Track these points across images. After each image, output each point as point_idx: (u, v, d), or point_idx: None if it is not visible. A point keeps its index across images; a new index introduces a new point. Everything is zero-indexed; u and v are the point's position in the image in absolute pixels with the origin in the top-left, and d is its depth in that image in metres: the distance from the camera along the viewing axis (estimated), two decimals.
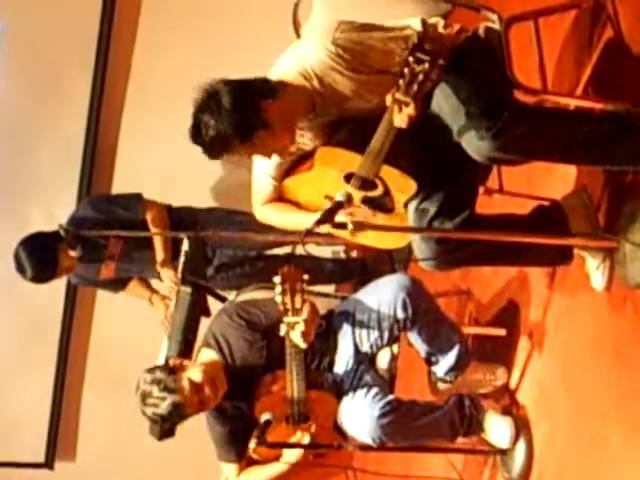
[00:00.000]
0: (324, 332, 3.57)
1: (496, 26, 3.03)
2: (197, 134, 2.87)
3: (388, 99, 2.69)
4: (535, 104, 3.15)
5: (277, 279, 3.20)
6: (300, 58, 2.92)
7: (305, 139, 3.04)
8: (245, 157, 2.99)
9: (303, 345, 3.33)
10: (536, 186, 3.61)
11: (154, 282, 4.86)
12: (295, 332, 3.27)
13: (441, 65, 2.60)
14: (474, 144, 2.79)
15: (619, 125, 2.89)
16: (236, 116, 2.82)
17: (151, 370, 3.44)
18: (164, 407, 3.35)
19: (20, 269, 4.49)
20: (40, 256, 4.45)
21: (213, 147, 2.88)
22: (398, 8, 3.07)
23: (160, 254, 4.57)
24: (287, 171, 3.13)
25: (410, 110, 2.68)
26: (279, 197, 3.18)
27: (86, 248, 4.49)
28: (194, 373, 3.42)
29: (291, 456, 3.46)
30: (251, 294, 3.77)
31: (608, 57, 3.27)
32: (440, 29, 2.90)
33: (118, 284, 4.92)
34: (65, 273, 4.60)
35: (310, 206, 3.11)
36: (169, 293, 4.49)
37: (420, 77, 2.60)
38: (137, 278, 4.90)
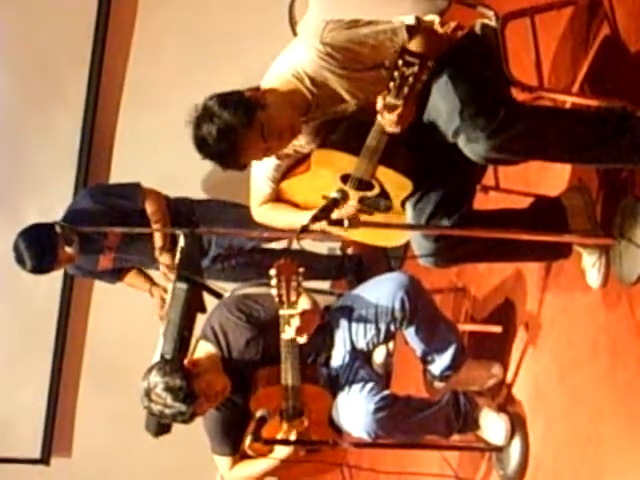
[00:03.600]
0: (320, 327, 3.58)
1: (492, 23, 3.03)
2: (204, 146, 2.88)
3: (379, 102, 2.69)
4: (531, 102, 3.15)
5: (272, 272, 3.21)
6: (291, 60, 2.93)
7: (301, 141, 3.04)
8: (259, 153, 2.95)
9: (302, 340, 3.33)
10: (532, 183, 3.61)
11: (153, 274, 4.85)
12: (290, 327, 3.28)
13: (430, 67, 2.61)
14: (470, 144, 2.79)
15: (615, 123, 2.88)
16: (231, 106, 2.84)
17: (165, 373, 3.38)
18: (176, 413, 3.34)
19: (19, 260, 4.46)
20: (40, 247, 4.42)
21: (223, 145, 2.85)
22: (394, 6, 3.06)
23: (158, 241, 4.57)
24: (284, 173, 3.14)
25: (399, 111, 2.67)
26: (277, 199, 3.19)
27: (84, 240, 4.48)
28: (210, 380, 3.41)
29: (282, 452, 3.47)
30: (248, 290, 3.77)
31: (604, 54, 3.27)
32: (436, 27, 2.91)
33: (116, 274, 4.91)
34: (65, 264, 4.58)
35: (308, 208, 3.10)
36: (165, 280, 4.49)
37: (410, 80, 2.60)
38: (135, 269, 4.89)
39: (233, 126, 2.83)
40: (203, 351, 3.58)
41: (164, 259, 4.52)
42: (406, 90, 2.62)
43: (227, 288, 4.03)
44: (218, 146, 2.86)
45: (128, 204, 4.65)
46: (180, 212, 4.73)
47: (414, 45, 2.81)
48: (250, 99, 2.88)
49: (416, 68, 2.58)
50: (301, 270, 3.23)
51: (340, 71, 2.87)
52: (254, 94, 2.90)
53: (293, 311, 3.26)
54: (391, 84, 2.63)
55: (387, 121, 2.72)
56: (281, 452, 3.47)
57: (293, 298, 3.24)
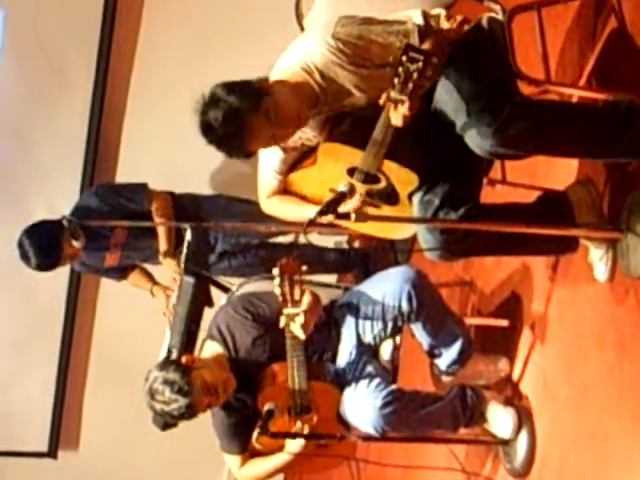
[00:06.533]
0: (326, 323, 3.58)
1: (499, 17, 3.02)
2: (209, 131, 2.88)
3: (383, 98, 2.70)
4: (537, 97, 3.14)
5: (275, 271, 3.21)
6: (301, 53, 2.94)
7: (308, 134, 3.05)
8: (264, 139, 2.95)
9: (302, 336, 3.34)
10: (539, 177, 3.61)
11: (156, 272, 4.86)
12: (295, 324, 3.29)
13: (435, 63, 2.61)
14: (476, 140, 2.79)
15: (622, 117, 2.88)
16: (237, 92, 2.86)
17: (163, 367, 3.41)
18: (175, 408, 3.35)
19: (24, 257, 4.48)
20: (44, 244, 4.44)
21: (228, 129, 2.85)
22: (400, 1, 3.06)
23: (163, 244, 4.57)
24: (291, 166, 3.14)
25: (405, 108, 2.68)
26: (284, 191, 3.19)
27: (91, 237, 4.49)
28: (208, 375, 3.41)
29: (293, 447, 3.46)
30: (255, 285, 3.77)
31: (611, 48, 3.27)
32: (442, 21, 2.90)
33: (121, 272, 4.92)
34: (69, 261, 4.59)
35: (315, 200, 3.12)
36: (171, 283, 4.49)
37: (415, 76, 2.61)
38: (138, 268, 4.90)
39: (239, 109, 2.84)
40: (210, 351, 3.57)
41: (168, 263, 4.52)
42: (410, 86, 2.63)
43: (234, 282, 4.03)
44: (223, 130, 2.86)
45: (134, 206, 4.65)
46: (186, 208, 4.73)
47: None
48: (256, 86, 2.90)
49: (420, 64, 2.58)
50: (304, 268, 3.24)
51: (349, 67, 2.87)
52: (261, 83, 2.92)
53: (296, 310, 3.26)
54: (395, 80, 2.64)
55: (394, 115, 2.72)
56: (293, 446, 3.46)
57: (297, 297, 3.25)
